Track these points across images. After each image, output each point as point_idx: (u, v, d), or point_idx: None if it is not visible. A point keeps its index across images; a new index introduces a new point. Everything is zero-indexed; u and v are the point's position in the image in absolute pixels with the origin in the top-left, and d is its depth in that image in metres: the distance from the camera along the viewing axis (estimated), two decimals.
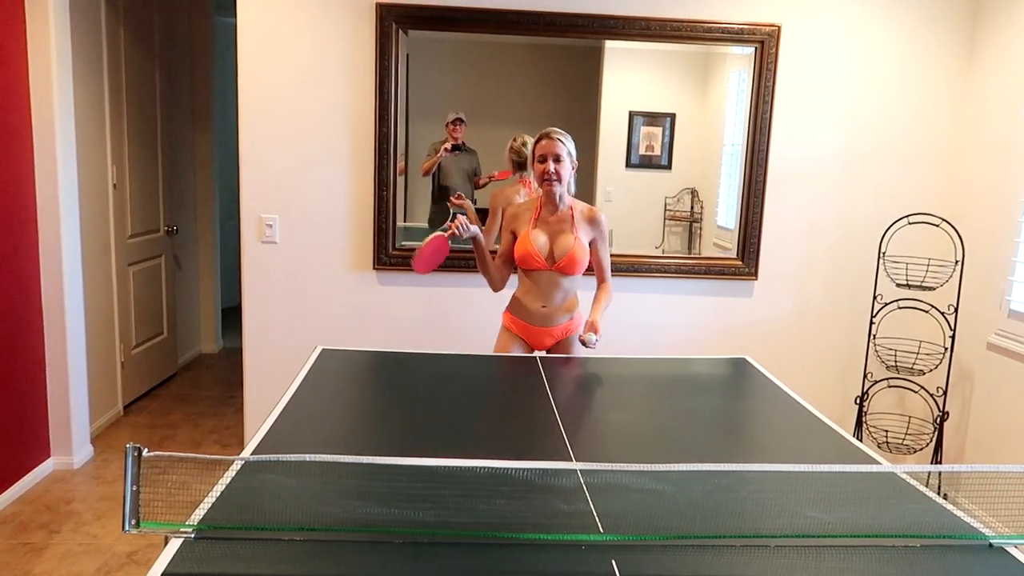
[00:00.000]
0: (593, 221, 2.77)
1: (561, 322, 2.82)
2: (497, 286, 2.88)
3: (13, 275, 3.23)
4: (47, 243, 3.40)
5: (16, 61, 3.21)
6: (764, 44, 3.44)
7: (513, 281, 2.91)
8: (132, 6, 4.22)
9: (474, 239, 2.73)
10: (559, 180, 2.68)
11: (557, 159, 2.66)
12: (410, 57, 3.46)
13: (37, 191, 3.36)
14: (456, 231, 2.65)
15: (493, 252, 2.91)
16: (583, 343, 2.62)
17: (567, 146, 2.68)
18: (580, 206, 2.78)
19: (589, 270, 2.81)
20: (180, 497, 1.49)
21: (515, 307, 2.85)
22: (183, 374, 5.09)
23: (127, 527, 1.39)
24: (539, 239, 2.72)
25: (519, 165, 3.38)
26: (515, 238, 2.78)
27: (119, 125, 4.14)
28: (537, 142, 2.70)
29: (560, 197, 2.72)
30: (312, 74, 3.36)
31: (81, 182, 3.65)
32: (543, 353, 2.87)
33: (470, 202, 3.55)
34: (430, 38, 3.47)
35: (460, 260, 3.51)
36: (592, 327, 2.63)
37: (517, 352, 2.85)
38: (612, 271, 3.55)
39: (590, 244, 2.77)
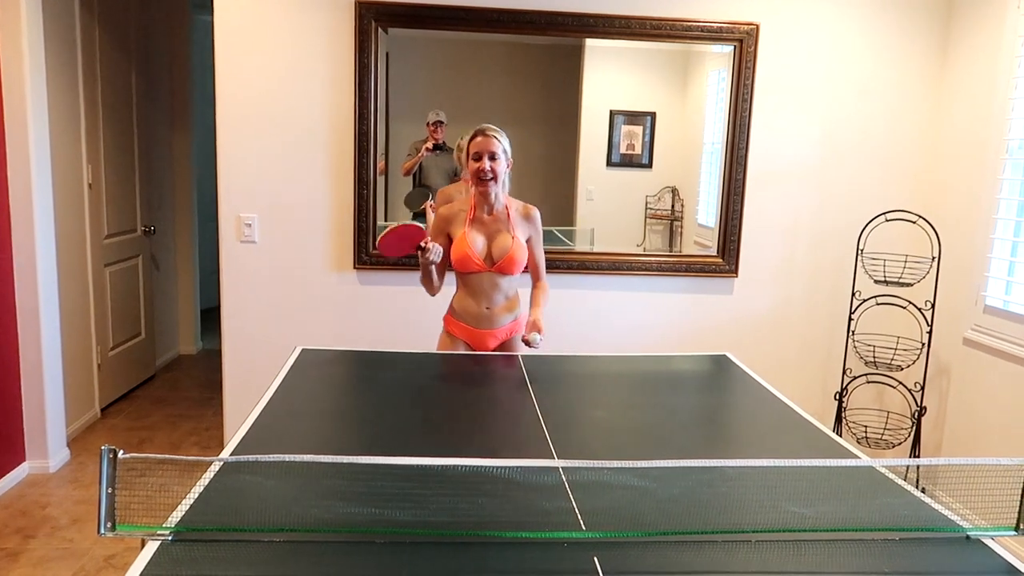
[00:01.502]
0: (529, 218, 2.72)
1: (505, 323, 2.75)
2: (434, 291, 2.76)
3: None
4: (21, 244, 3.34)
5: None
6: (743, 43, 3.46)
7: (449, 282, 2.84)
8: (107, 2, 4.17)
9: (426, 267, 2.63)
10: (495, 179, 2.60)
11: (492, 157, 2.58)
12: (390, 55, 3.45)
13: (9, 191, 3.30)
14: (429, 253, 2.55)
15: None
16: (527, 343, 2.57)
17: (502, 143, 2.61)
18: (515, 204, 2.72)
19: (525, 269, 2.76)
20: (159, 500, 1.47)
21: (457, 311, 2.76)
22: (162, 375, 5.03)
23: (103, 530, 1.37)
24: (476, 241, 2.64)
25: None
26: (449, 241, 2.69)
27: (94, 123, 4.08)
28: (472, 139, 2.62)
29: (495, 196, 2.66)
30: (290, 72, 3.34)
31: (55, 182, 3.59)
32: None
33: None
34: (410, 36, 3.45)
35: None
36: (534, 326, 2.58)
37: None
38: (593, 269, 3.58)
39: (527, 242, 2.71)
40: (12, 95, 3.25)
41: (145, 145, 4.75)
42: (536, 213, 2.74)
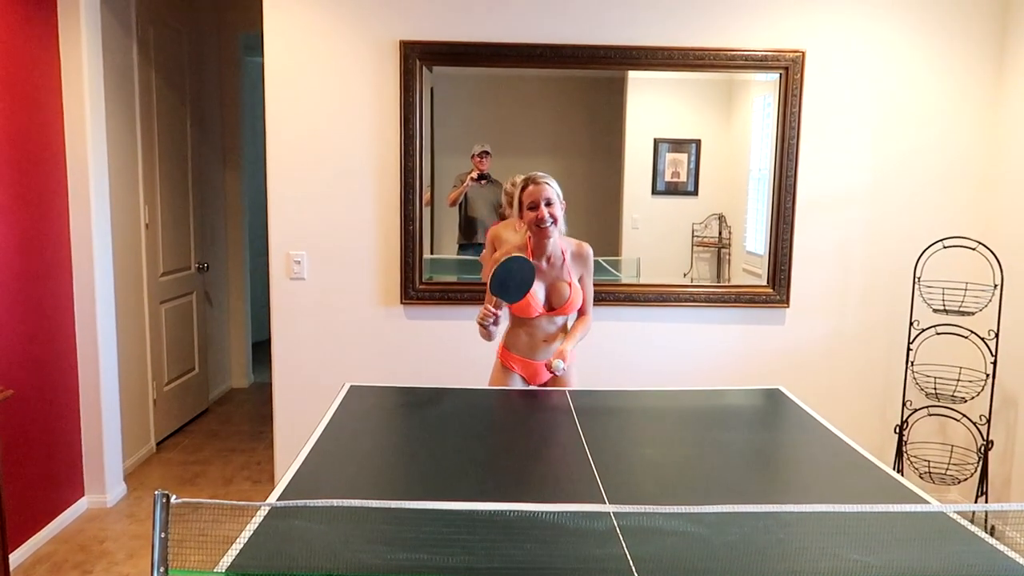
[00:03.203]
0: (582, 256, 2.74)
1: None
2: (492, 339, 2.75)
3: (48, 314, 3.28)
4: (81, 282, 3.45)
5: (51, 103, 3.29)
6: (788, 70, 3.41)
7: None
8: (162, 48, 4.33)
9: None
10: (555, 222, 2.61)
11: (548, 203, 2.60)
12: (434, 90, 3.49)
13: (71, 231, 3.42)
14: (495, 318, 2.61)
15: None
16: (548, 368, 2.59)
17: (554, 187, 2.62)
18: (568, 245, 2.73)
19: None
20: (212, 533, 1.48)
21: (512, 343, 2.78)
22: (214, 409, 5.12)
23: (156, 574, 1.38)
24: (537, 291, 2.66)
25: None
26: None
27: (151, 165, 4.22)
28: (523, 190, 2.63)
29: (552, 244, 2.67)
30: (338, 111, 3.40)
31: (114, 222, 3.71)
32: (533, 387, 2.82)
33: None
34: (454, 72, 3.50)
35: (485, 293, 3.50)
36: (560, 354, 2.59)
37: (512, 386, 2.79)
38: (640, 301, 3.54)
39: (580, 280, 2.74)
40: (74, 138, 3.38)
41: (198, 184, 4.89)
42: (589, 250, 2.76)
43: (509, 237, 3.16)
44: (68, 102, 3.37)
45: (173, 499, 1.41)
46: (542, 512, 1.53)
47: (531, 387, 2.77)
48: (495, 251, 2.90)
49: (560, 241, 2.71)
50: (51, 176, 3.29)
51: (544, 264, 2.69)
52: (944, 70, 3.47)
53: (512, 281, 2.59)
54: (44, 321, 3.25)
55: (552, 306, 2.69)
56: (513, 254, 2.62)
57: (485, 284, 3.50)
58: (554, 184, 2.64)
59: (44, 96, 3.24)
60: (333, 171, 3.44)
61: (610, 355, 3.52)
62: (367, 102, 3.40)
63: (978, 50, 3.46)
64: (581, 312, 2.81)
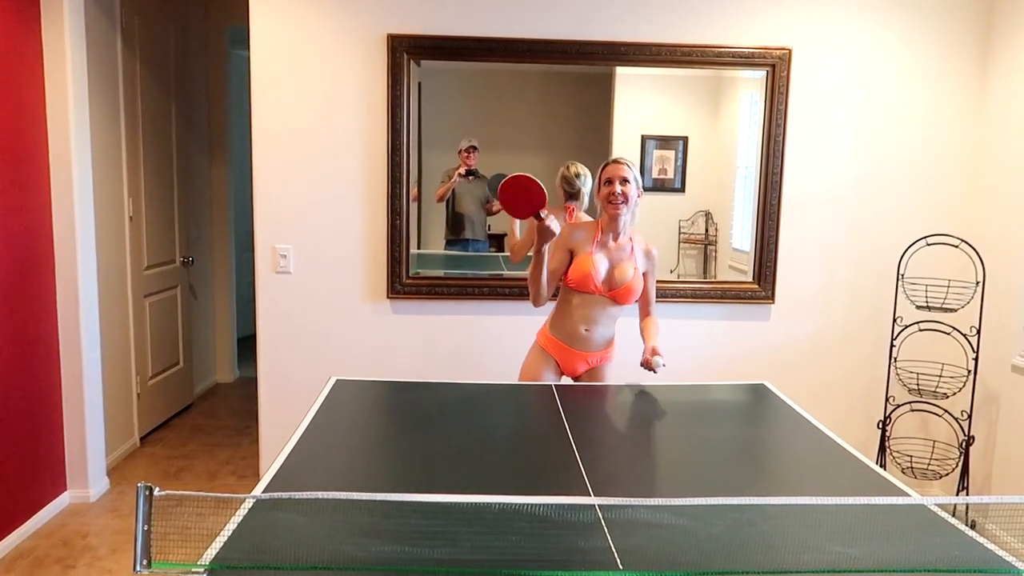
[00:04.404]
0: (649, 255, 2.79)
1: (598, 348, 2.79)
2: (541, 301, 2.72)
3: (30, 308, 3.25)
4: (64, 275, 3.42)
5: (33, 95, 3.26)
6: (775, 68, 3.43)
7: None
8: (148, 40, 4.29)
9: (544, 238, 2.55)
10: (626, 202, 2.65)
11: (624, 181, 2.64)
12: (422, 85, 3.48)
13: (54, 224, 3.39)
14: (547, 221, 2.47)
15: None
16: (649, 367, 2.60)
17: (633, 172, 2.67)
18: (639, 239, 2.78)
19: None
20: (195, 529, 1.47)
21: (556, 326, 2.80)
22: (199, 404, 5.09)
23: (138, 568, 1.37)
24: (600, 263, 2.68)
25: (568, 195, 3.33)
26: (569, 257, 2.72)
27: (135, 158, 4.18)
28: (604, 168, 2.69)
29: (624, 224, 2.70)
30: (325, 105, 3.39)
31: (97, 214, 3.68)
32: (569, 381, 2.83)
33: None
34: (442, 67, 3.49)
35: (472, 288, 3.50)
36: (655, 351, 2.63)
37: (547, 374, 2.80)
38: None
39: (644, 275, 2.77)
40: (57, 131, 3.35)
41: (184, 178, 4.86)
42: (656, 252, 2.82)
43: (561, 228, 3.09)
44: (51, 94, 3.33)
45: (156, 492, 1.40)
46: (527, 505, 1.53)
47: (564, 381, 2.77)
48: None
49: (631, 231, 2.75)
50: (33, 168, 3.26)
51: (611, 242, 2.71)
52: (929, 69, 3.50)
53: (518, 184, 2.45)
54: (26, 315, 3.22)
55: (611, 286, 2.69)
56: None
57: (478, 278, 3.52)
58: (635, 170, 2.68)
59: (26, 88, 3.20)
60: (319, 165, 3.42)
61: None
62: (354, 96, 3.39)
63: (963, 49, 3.49)
64: (646, 313, 2.85)
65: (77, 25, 3.38)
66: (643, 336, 2.80)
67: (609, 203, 2.65)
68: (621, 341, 2.92)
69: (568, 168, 3.34)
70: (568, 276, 2.71)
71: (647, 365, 2.63)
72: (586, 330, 2.74)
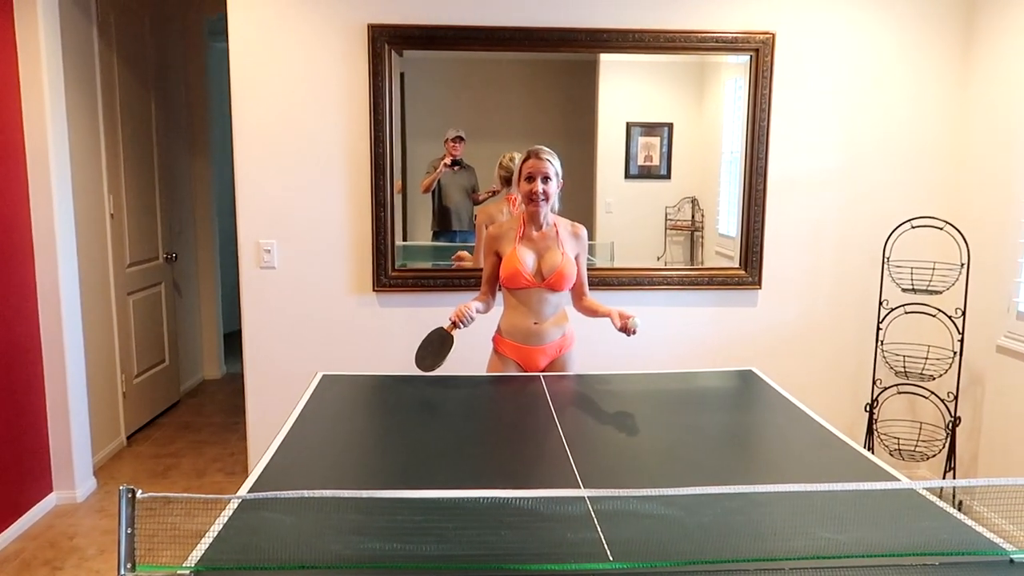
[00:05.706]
0: (577, 237, 2.76)
1: (554, 338, 2.75)
2: (485, 312, 2.81)
3: (10, 308, 3.20)
4: (44, 275, 3.37)
5: (8, 91, 3.20)
6: (759, 52, 3.42)
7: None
8: (125, 34, 4.22)
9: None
10: (546, 200, 2.65)
11: (545, 179, 2.63)
12: (405, 75, 3.45)
13: (33, 223, 3.34)
14: (461, 324, 2.62)
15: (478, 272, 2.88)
16: (628, 330, 2.56)
17: (554, 165, 2.65)
18: (563, 223, 2.76)
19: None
20: (184, 527, 1.46)
21: (506, 328, 2.77)
22: (186, 401, 5.05)
23: (123, 571, 1.35)
24: (526, 257, 2.66)
25: (507, 181, 3.40)
26: (499, 259, 2.72)
27: (115, 153, 4.13)
28: (524, 161, 2.66)
29: (545, 216, 2.70)
30: (306, 97, 3.35)
31: (77, 212, 3.63)
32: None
33: (467, 254, 3.58)
34: (425, 56, 3.45)
35: (460, 279, 3.48)
36: (623, 314, 2.59)
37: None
38: (614, 284, 3.54)
39: (575, 259, 2.74)
40: (33, 127, 3.29)
41: (165, 173, 4.80)
42: (584, 232, 2.78)
43: (494, 214, 3.24)
44: (26, 89, 3.27)
45: (139, 494, 1.38)
46: (516, 498, 1.52)
47: (527, 374, 2.75)
48: (486, 228, 2.87)
49: (553, 218, 2.74)
50: (9, 166, 3.20)
51: (534, 233, 2.70)
52: (913, 51, 3.50)
53: (430, 347, 2.66)
54: (6, 315, 3.17)
55: (543, 275, 2.67)
56: (434, 329, 2.70)
57: (466, 268, 3.50)
58: (556, 162, 2.66)
59: (0, 84, 3.14)
60: (302, 158, 3.38)
61: (584, 339, 3.50)
62: (335, 87, 3.35)
63: (946, 31, 3.49)
64: (581, 294, 2.82)
65: (51, 17, 3.32)
66: (595, 312, 2.76)
67: (530, 201, 2.65)
68: (586, 330, 2.91)
69: (505, 157, 3.45)
70: (500, 277, 2.70)
71: (624, 330, 2.57)
72: (535, 323, 2.72)
